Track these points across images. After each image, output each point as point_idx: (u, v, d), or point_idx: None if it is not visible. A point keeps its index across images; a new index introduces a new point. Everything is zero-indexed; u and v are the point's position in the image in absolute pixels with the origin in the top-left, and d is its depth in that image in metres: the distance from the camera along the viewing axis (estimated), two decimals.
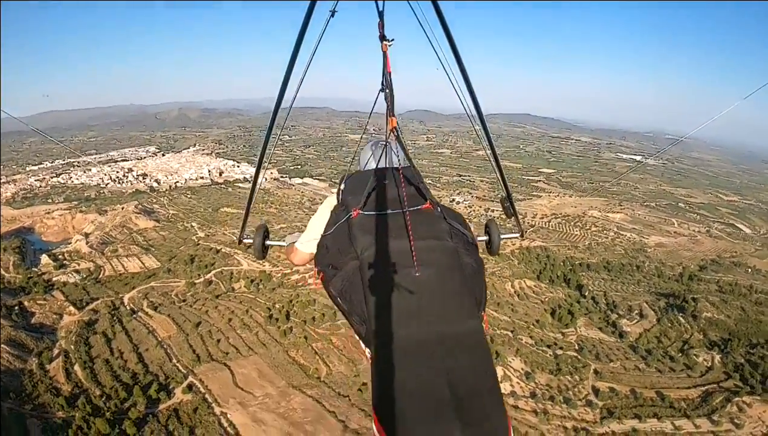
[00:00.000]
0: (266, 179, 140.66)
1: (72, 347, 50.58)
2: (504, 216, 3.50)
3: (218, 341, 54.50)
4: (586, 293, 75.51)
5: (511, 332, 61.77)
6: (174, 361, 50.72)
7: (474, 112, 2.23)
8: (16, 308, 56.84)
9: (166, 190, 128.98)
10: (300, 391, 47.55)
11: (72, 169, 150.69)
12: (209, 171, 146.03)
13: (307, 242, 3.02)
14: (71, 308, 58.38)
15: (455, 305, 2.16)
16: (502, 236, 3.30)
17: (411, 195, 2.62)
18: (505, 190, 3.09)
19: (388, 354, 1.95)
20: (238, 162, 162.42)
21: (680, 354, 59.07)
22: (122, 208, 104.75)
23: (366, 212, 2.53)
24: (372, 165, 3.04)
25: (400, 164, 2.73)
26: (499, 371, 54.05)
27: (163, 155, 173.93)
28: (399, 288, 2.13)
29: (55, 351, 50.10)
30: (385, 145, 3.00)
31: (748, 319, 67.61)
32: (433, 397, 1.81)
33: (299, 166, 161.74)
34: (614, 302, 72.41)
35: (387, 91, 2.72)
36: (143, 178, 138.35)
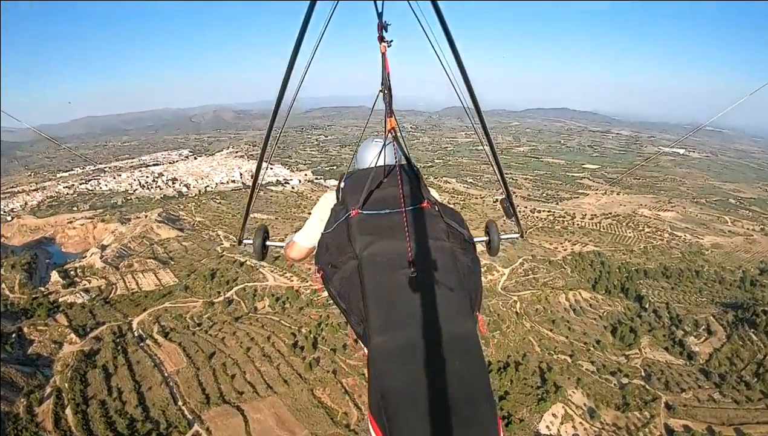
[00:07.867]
0: (300, 181, 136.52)
1: (66, 384, 44.47)
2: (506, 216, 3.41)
3: (233, 376, 47.44)
4: (647, 306, 69.09)
5: (570, 356, 55.58)
6: (179, 403, 43.92)
7: (475, 115, 2.27)
8: (14, 335, 51.16)
9: (195, 195, 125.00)
10: None
11: (102, 175, 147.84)
12: (241, 174, 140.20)
13: (306, 237, 2.98)
14: (72, 336, 52.45)
15: (451, 307, 2.09)
16: (502, 237, 3.30)
17: (409, 194, 2.59)
18: (505, 191, 3.05)
19: (383, 355, 1.93)
20: (271, 164, 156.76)
21: (756, 380, 52.21)
22: (145, 217, 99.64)
23: (365, 212, 2.50)
24: (370, 163, 3.00)
25: (398, 162, 2.69)
26: (560, 408, 47.26)
27: (195, 158, 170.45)
28: (395, 289, 2.11)
29: (48, 390, 43.97)
30: (384, 145, 2.88)
31: None
32: (427, 399, 1.80)
33: (334, 167, 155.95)
34: (678, 316, 65.73)
35: (385, 91, 2.62)
36: (173, 183, 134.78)
